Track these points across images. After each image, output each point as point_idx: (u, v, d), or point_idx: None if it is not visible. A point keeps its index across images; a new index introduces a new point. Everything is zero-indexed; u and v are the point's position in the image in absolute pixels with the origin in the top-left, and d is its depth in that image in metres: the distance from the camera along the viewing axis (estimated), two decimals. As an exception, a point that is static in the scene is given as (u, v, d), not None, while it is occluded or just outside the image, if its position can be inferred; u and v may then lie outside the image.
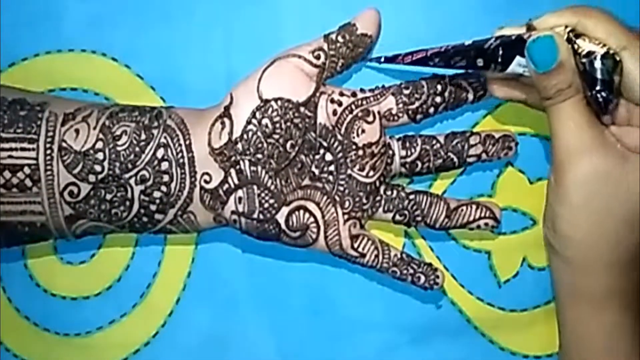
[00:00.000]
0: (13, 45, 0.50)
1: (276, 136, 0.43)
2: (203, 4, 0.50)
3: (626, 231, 0.43)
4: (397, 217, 0.47)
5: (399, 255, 0.46)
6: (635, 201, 0.42)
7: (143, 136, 0.43)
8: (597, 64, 0.41)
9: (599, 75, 0.41)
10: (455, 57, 0.44)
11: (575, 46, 0.42)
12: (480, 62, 0.43)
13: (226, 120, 0.43)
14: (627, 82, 0.41)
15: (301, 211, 0.44)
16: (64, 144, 0.42)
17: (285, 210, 0.44)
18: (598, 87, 0.41)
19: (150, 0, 0.50)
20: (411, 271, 0.46)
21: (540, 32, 0.42)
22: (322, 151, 0.45)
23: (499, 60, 0.43)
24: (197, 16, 0.50)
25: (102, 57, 0.50)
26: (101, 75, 0.50)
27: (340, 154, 0.45)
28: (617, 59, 0.41)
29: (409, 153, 0.47)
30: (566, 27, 0.42)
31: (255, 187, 0.44)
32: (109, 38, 0.50)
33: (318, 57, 0.44)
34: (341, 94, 0.45)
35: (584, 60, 0.41)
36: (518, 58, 0.42)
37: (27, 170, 0.42)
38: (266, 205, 0.44)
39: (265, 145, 0.43)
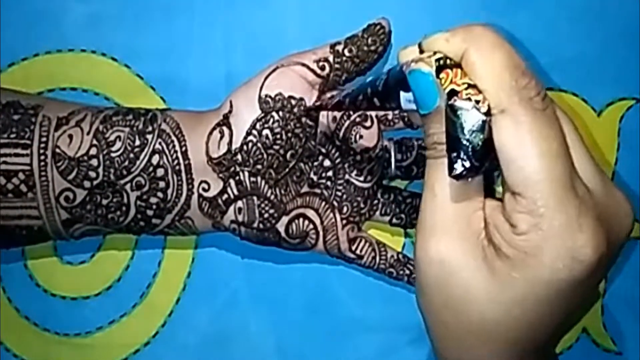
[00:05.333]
0: (13, 45, 0.50)
1: (277, 147, 0.43)
2: (203, 4, 0.50)
3: (483, 350, 0.34)
4: (394, 221, 0.46)
5: (395, 256, 0.46)
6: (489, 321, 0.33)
7: (137, 142, 0.42)
8: (461, 114, 0.30)
9: (459, 132, 0.30)
10: (357, 97, 0.37)
11: (442, 79, 0.31)
12: (376, 101, 0.36)
13: (225, 129, 0.43)
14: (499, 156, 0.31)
15: (301, 219, 0.44)
16: (57, 150, 0.42)
17: (285, 219, 0.44)
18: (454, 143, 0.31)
19: (150, 0, 0.50)
20: (407, 272, 0.45)
21: (417, 63, 0.32)
22: (320, 158, 0.45)
23: (387, 97, 0.35)
24: (197, 16, 0.50)
25: (102, 57, 0.50)
26: (101, 75, 0.50)
27: (338, 160, 0.45)
28: (484, 119, 0.30)
29: (405, 157, 0.46)
30: (435, 54, 0.32)
31: (255, 197, 0.43)
32: (109, 38, 0.50)
33: (323, 68, 0.43)
34: None
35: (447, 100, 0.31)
36: (403, 94, 0.33)
37: (21, 176, 0.41)
38: (266, 215, 0.43)
39: (265, 156, 0.42)
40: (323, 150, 0.44)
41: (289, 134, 0.43)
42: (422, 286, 0.34)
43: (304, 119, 0.43)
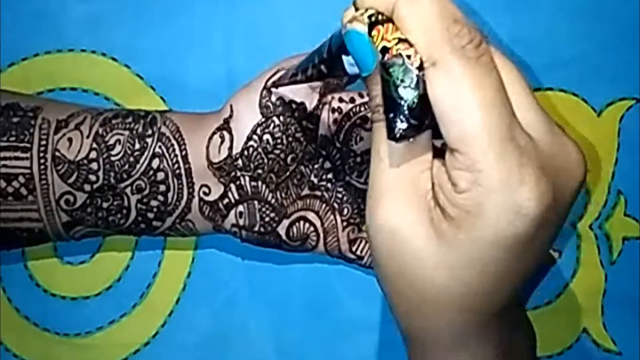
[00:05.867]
0: (13, 45, 0.49)
1: (277, 151, 0.43)
2: (203, 4, 0.50)
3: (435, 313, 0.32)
4: (394, 220, 0.47)
5: None
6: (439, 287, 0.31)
7: (137, 145, 0.42)
8: (393, 71, 0.29)
9: (392, 91, 0.29)
10: (307, 68, 0.36)
11: (374, 37, 0.30)
12: (324, 69, 0.34)
13: (225, 134, 0.43)
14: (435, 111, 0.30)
15: (301, 222, 0.44)
16: (57, 154, 0.42)
17: (285, 222, 0.44)
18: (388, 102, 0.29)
19: (150, 0, 0.50)
20: None
21: (351, 23, 0.31)
22: (320, 160, 0.44)
23: (332, 64, 0.33)
24: (197, 16, 0.50)
25: (102, 57, 0.50)
26: (101, 75, 0.50)
27: (339, 162, 0.45)
28: (417, 74, 0.29)
29: None
30: (367, 10, 0.30)
31: (256, 202, 0.43)
32: (109, 38, 0.50)
33: None
34: (340, 100, 0.44)
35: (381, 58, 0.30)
36: (345, 58, 0.32)
37: (21, 179, 0.41)
38: (267, 219, 0.43)
39: (266, 160, 0.42)
40: (323, 153, 0.44)
41: (290, 138, 0.43)
42: (375, 257, 0.33)
43: (304, 122, 0.43)
